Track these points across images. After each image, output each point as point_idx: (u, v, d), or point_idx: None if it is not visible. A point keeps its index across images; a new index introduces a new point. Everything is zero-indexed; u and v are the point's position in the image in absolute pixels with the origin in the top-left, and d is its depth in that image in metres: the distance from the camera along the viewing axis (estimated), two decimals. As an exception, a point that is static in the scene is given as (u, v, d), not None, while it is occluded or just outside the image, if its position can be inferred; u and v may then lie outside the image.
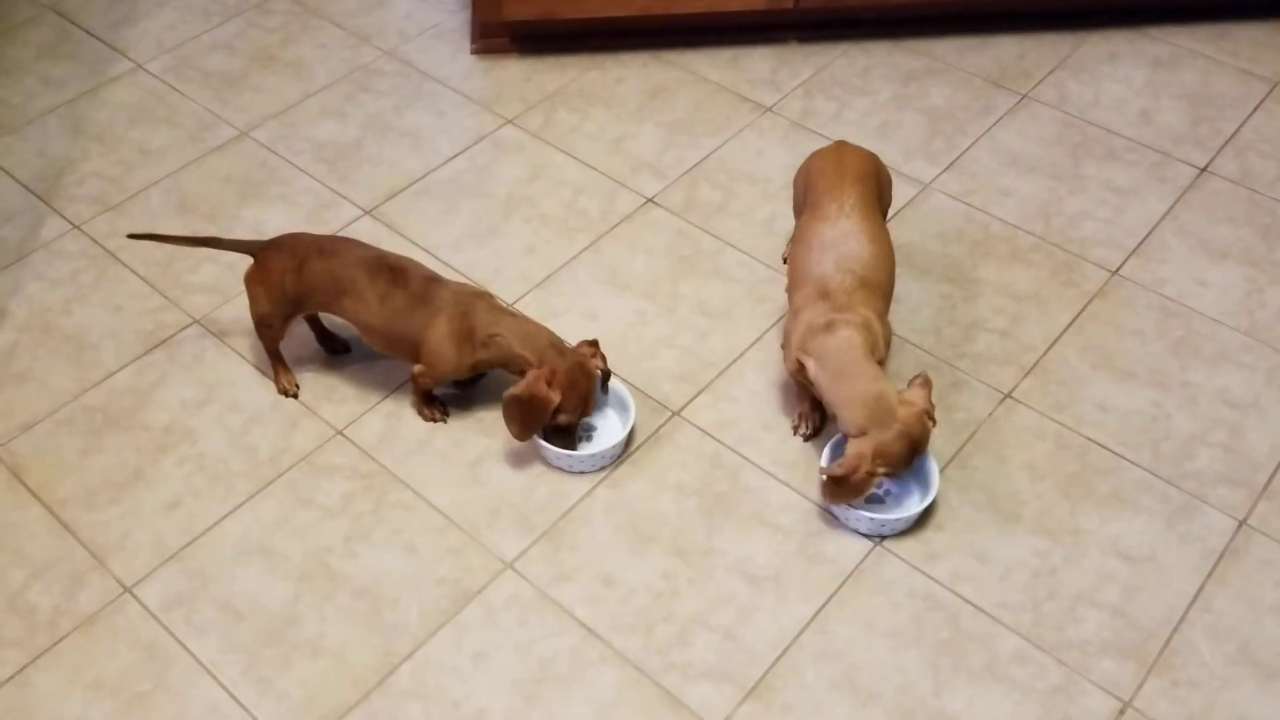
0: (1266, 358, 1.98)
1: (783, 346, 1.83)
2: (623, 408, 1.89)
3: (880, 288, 1.79)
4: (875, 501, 1.78)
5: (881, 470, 1.66)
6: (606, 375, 1.84)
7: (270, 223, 2.24)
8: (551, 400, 1.75)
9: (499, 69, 2.60)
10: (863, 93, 2.50)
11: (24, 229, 2.25)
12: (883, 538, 1.75)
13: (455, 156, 2.39)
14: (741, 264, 2.16)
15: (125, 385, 1.98)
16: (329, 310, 1.87)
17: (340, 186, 2.33)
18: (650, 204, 2.28)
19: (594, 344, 1.81)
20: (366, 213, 2.27)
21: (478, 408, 1.94)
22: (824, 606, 1.69)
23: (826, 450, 1.79)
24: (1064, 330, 2.04)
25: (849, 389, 1.68)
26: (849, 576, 1.72)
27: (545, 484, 1.84)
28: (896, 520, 1.73)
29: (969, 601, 1.69)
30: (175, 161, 2.39)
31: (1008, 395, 1.94)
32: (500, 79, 2.57)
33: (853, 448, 1.68)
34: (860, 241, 1.80)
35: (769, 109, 2.47)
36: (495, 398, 1.93)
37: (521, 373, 1.77)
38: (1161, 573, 1.71)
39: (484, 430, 1.91)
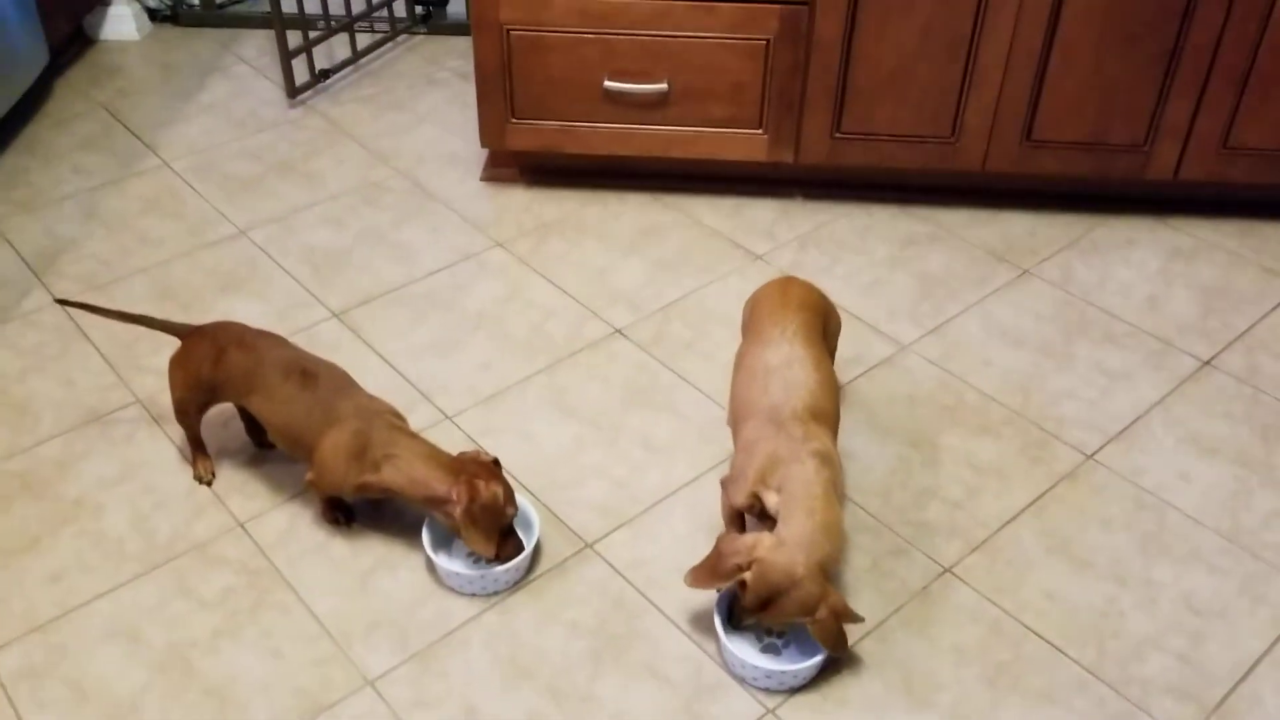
0: (1243, 564, 1.79)
1: (724, 482, 1.72)
2: (526, 526, 1.79)
3: (829, 417, 1.69)
4: (770, 653, 1.63)
5: (753, 573, 1.53)
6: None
7: (238, 314, 2.24)
8: (498, 495, 1.67)
9: (503, 196, 2.61)
10: (858, 251, 2.43)
11: (8, 298, 2.30)
12: (775, 691, 1.59)
13: (438, 271, 2.38)
14: (695, 402, 2.07)
15: (51, 455, 1.96)
16: (241, 403, 1.83)
17: (317, 289, 2.33)
18: (617, 334, 2.23)
19: (489, 465, 1.74)
20: (335, 315, 2.26)
21: (387, 519, 1.87)
22: (694, 771, 1.53)
23: (717, 614, 1.66)
24: (1023, 510, 1.88)
25: (817, 520, 1.57)
26: (729, 742, 1.57)
27: (434, 603, 1.74)
28: (787, 673, 1.58)
29: (856, 788, 1.52)
30: (169, 252, 2.43)
31: (948, 570, 1.79)
32: (501, 205, 2.58)
33: (754, 540, 1.56)
34: (805, 368, 1.71)
35: (759, 257, 2.42)
36: (404, 511, 1.86)
37: (426, 500, 1.70)
38: (1082, 785, 1.52)
39: (385, 539, 1.83)
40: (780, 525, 1.58)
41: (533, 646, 1.68)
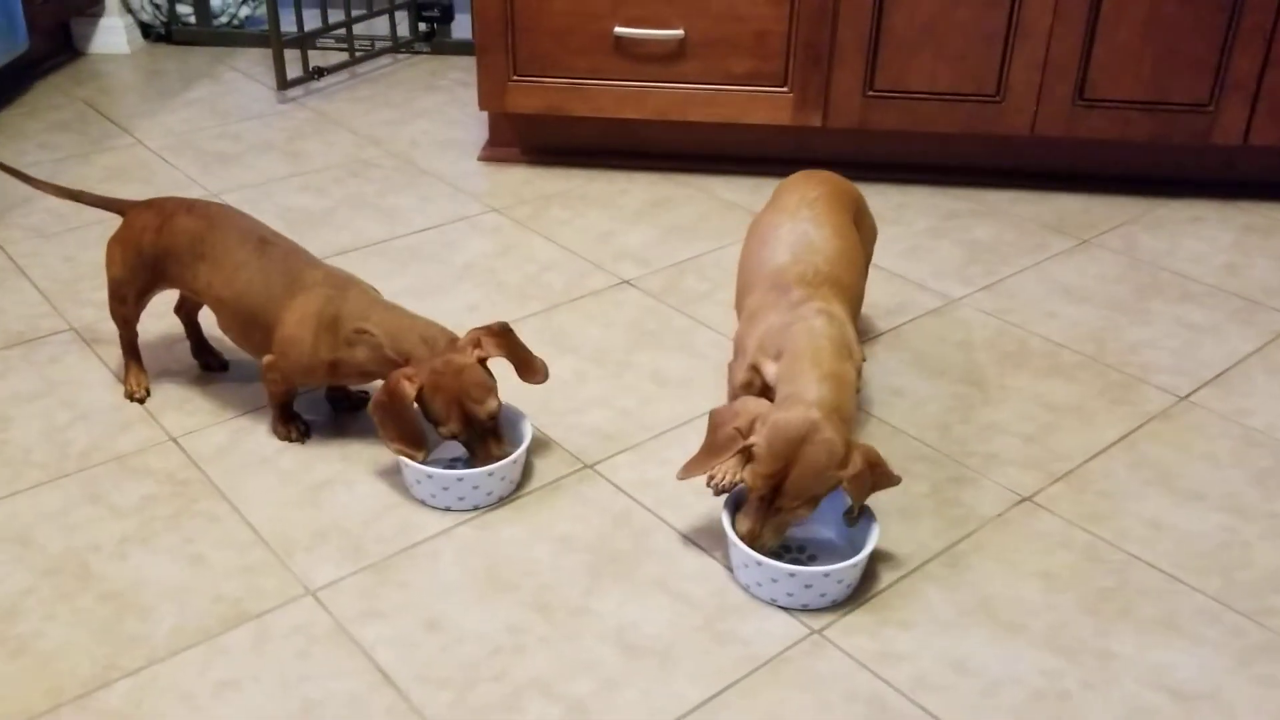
0: (1386, 497, 1.47)
1: (730, 365, 1.43)
2: (515, 435, 1.48)
3: (846, 289, 1.41)
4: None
5: (755, 441, 1.23)
6: (514, 357, 1.47)
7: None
8: (407, 395, 1.37)
9: (501, 172, 2.38)
10: (895, 223, 2.18)
11: (-59, 241, 2.05)
12: (812, 610, 1.25)
13: (425, 230, 2.13)
14: (714, 344, 1.78)
15: (-41, 373, 1.67)
16: (185, 285, 1.55)
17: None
18: (624, 284, 1.95)
19: (494, 330, 1.44)
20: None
21: (351, 432, 1.56)
22: (721, 693, 1.18)
23: (725, 511, 1.33)
24: (1111, 444, 1.57)
25: (824, 369, 1.28)
26: (765, 663, 1.21)
27: (397, 514, 1.41)
28: (814, 574, 1.25)
29: (932, 714, 1.16)
30: (130, 210, 2.19)
31: (1027, 498, 1.46)
32: (500, 180, 2.35)
33: (754, 404, 1.27)
34: (821, 233, 1.45)
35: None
36: (370, 427, 1.55)
37: None
38: (1224, 716, 1.16)
39: (347, 455, 1.52)
40: (781, 386, 1.28)
41: (516, 560, 1.34)
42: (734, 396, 1.40)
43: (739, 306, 1.48)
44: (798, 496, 1.23)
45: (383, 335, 1.42)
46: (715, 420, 1.29)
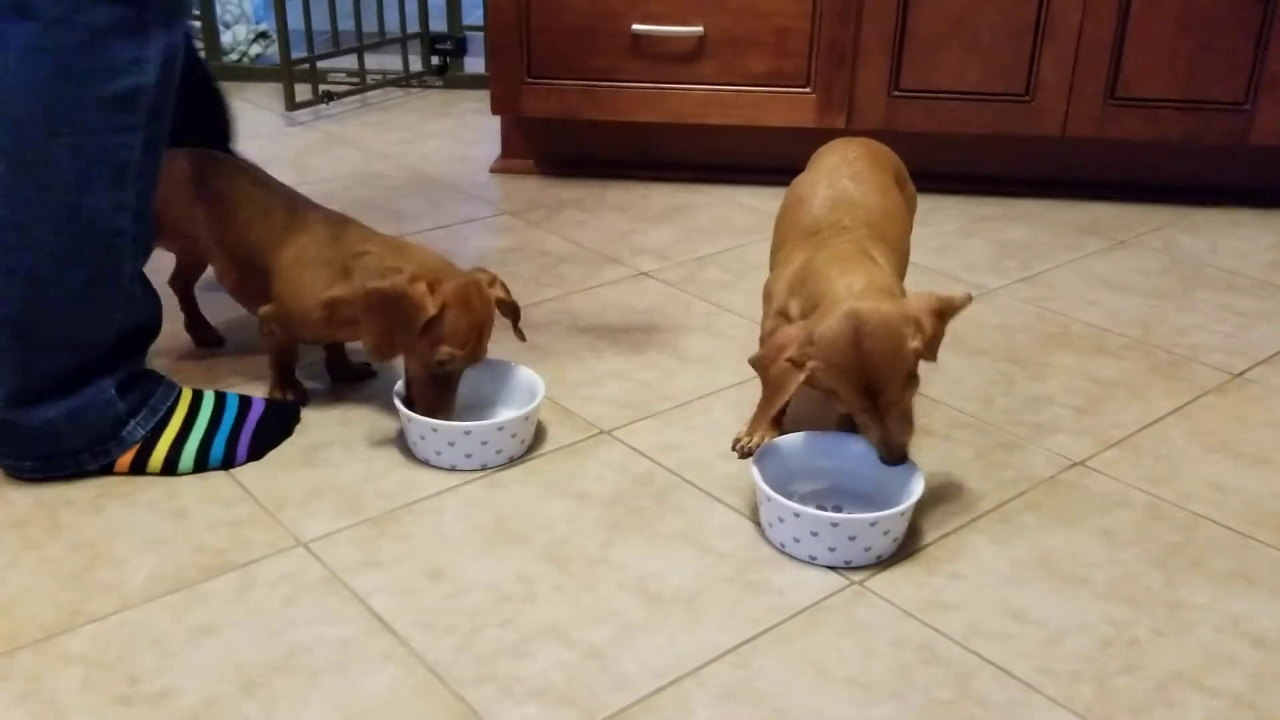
0: None
1: (761, 322, 1.34)
2: (530, 395, 1.38)
3: (891, 242, 1.31)
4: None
5: (814, 363, 1.11)
6: (515, 311, 1.37)
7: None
8: (425, 306, 1.25)
9: (516, 182, 2.32)
10: (923, 225, 2.09)
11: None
12: (856, 567, 1.13)
13: (434, 229, 2.05)
14: (738, 325, 1.69)
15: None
16: (182, 229, 1.45)
17: (294, 239, 2.00)
18: (643, 276, 1.87)
19: (491, 276, 1.35)
20: (310, 256, 1.92)
21: (350, 400, 1.46)
22: (753, 639, 1.06)
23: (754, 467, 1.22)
24: (1167, 414, 1.46)
25: (836, 274, 1.19)
26: (801, 611, 1.09)
27: (399, 474, 1.30)
28: (859, 523, 1.13)
29: (991, 662, 1.03)
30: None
31: (1080, 463, 1.35)
32: (513, 188, 2.28)
33: (798, 327, 1.17)
34: (863, 191, 1.35)
35: (809, 225, 2.09)
36: (373, 396, 1.46)
37: None
38: (1321, 666, 1.04)
39: (343, 420, 1.42)
40: (812, 307, 1.19)
41: (527, 515, 1.23)
42: (768, 333, 1.30)
43: (773, 263, 1.39)
44: (894, 387, 1.13)
45: (384, 255, 1.32)
46: (761, 363, 1.19)
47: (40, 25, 1.10)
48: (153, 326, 1.32)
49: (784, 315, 1.26)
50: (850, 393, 1.13)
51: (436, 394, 1.30)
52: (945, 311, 1.16)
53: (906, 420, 1.17)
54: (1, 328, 1.19)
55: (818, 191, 1.37)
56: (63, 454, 1.25)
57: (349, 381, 1.50)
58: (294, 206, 1.40)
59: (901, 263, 1.36)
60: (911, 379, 1.15)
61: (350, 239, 1.35)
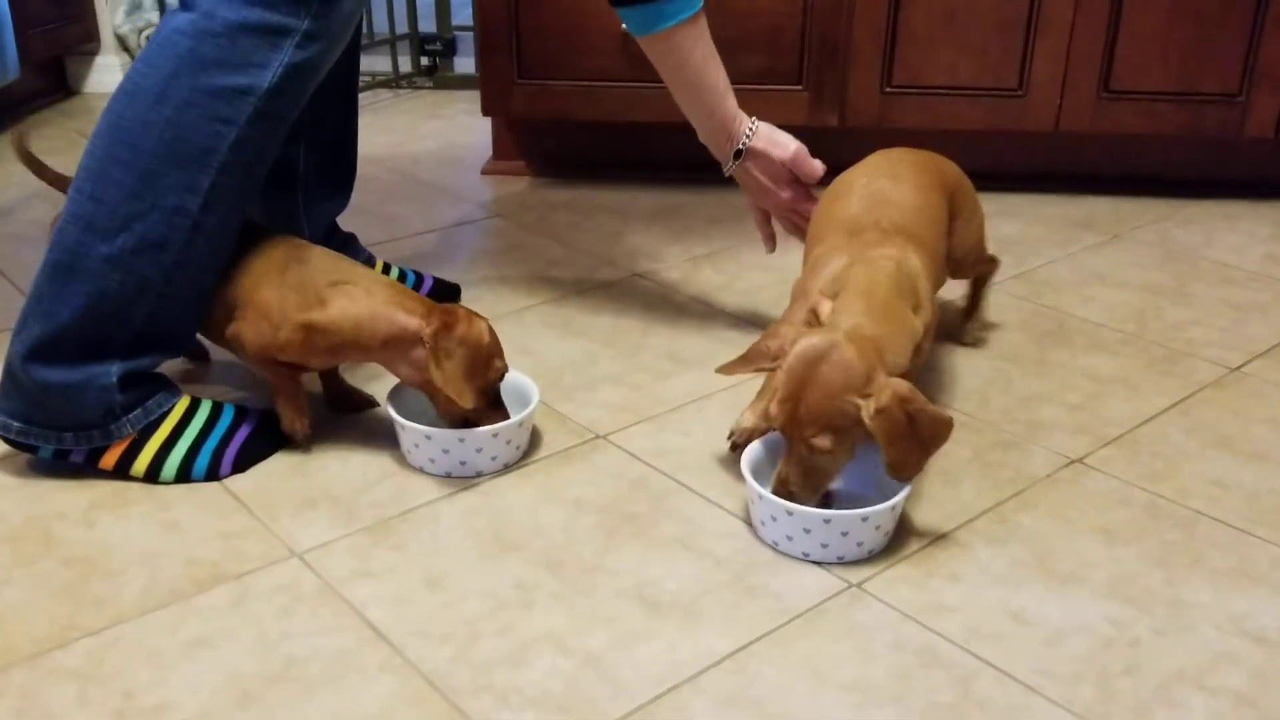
0: None
1: (785, 314, 1.32)
2: (522, 401, 1.37)
3: (927, 246, 1.29)
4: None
5: (784, 367, 1.12)
6: None
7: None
8: (482, 328, 1.27)
9: (506, 183, 2.31)
10: (917, 221, 2.10)
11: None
12: (846, 563, 1.12)
13: (425, 232, 2.05)
14: (735, 325, 1.68)
15: None
16: None
17: (286, 245, 1.99)
18: (637, 277, 1.86)
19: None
20: (302, 262, 1.91)
21: (345, 414, 1.45)
22: (751, 644, 1.05)
23: (746, 460, 1.22)
24: (1164, 410, 1.46)
25: (877, 299, 1.18)
26: (799, 615, 1.09)
27: (393, 483, 1.30)
28: (850, 519, 1.12)
29: (990, 664, 1.03)
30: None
31: (1077, 460, 1.35)
32: (504, 190, 2.27)
33: (789, 328, 1.18)
34: (900, 191, 1.34)
35: (802, 224, 2.09)
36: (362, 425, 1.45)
37: (386, 340, 1.26)
38: (1323, 663, 1.03)
39: (336, 429, 1.41)
40: (831, 316, 1.18)
41: (523, 522, 1.23)
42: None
43: (806, 259, 1.38)
44: (814, 423, 1.10)
45: (368, 285, 1.30)
46: (763, 337, 1.19)
47: (196, 14, 1.21)
48: (180, 338, 1.32)
49: (815, 314, 1.22)
50: (780, 406, 1.12)
51: (494, 408, 1.30)
52: (918, 414, 1.10)
53: (814, 471, 1.14)
54: (49, 271, 1.24)
55: (855, 190, 1.36)
56: (48, 426, 1.26)
57: (352, 412, 1.45)
58: (260, 234, 1.36)
59: (936, 265, 1.33)
60: (837, 436, 1.11)
61: (324, 267, 1.29)
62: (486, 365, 1.28)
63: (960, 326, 1.64)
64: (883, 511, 1.13)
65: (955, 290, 1.69)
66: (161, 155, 1.21)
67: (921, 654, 1.04)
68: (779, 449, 1.22)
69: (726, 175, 1.58)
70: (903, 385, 1.11)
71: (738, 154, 1.54)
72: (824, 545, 1.14)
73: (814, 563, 1.15)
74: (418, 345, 1.26)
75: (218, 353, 1.57)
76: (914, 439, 1.11)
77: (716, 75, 1.49)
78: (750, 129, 1.53)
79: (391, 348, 1.28)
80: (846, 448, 1.14)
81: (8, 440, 1.28)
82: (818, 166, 1.55)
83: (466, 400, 1.25)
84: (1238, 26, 2.02)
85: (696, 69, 1.48)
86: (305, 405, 1.35)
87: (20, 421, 1.27)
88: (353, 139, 1.69)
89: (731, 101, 1.52)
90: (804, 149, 1.54)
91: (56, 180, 1.51)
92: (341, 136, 1.66)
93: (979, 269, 1.61)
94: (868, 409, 1.09)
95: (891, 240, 1.26)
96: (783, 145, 1.53)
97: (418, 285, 1.72)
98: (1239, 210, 2.16)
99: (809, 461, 1.14)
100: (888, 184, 1.35)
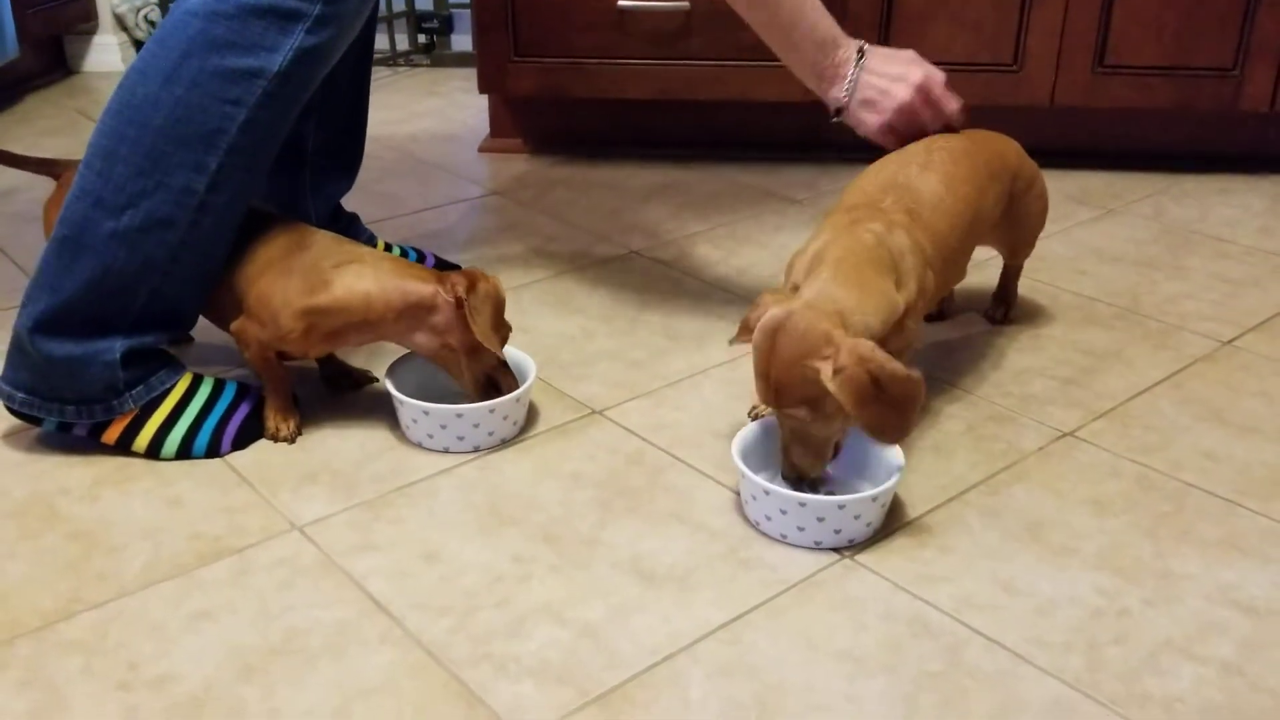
0: None
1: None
2: (521, 376, 1.38)
3: (934, 234, 1.28)
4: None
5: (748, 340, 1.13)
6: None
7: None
8: (501, 290, 1.31)
9: (504, 161, 2.32)
10: (913, 196, 2.11)
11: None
12: (831, 548, 1.14)
13: (423, 210, 2.05)
14: (730, 302, 1.69)
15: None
16: None
17: (284, 223, 2.00)
18: (634, 255, 1.87)
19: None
20: (301, 240, 1.92)
21: (343, 408, 1.46)
22: (745, 614, 1.07)
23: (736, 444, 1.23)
24: (1156, 384, 1.47)
25: (845, 270, 1.17)
26: (793, 586, 1.10)
27: (392, 457, 1.31)
28: (827, 505, 1.14)
29: (980, 633, 1.04)
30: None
31: (1069, 434, 1.36)
32: (502, 167, 2.28)
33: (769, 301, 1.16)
34: (926, 179, 1.32)
35: (798, 201, 2.09)
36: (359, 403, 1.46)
37: (401, 312, 1.27)
38: (1308, 631, 1.05)
39: (335, 404, 1.42)
40: (803, 287, 1.18)
41: (521, 496, 1.24)
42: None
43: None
44: (786, 394, 1.11)
45: (373, 262, 1.31)
46: (749, 308, 1.20)
47: None
48: (184, 318, 1.34)
49: (797, 290, 1.23)
50: (757, 383, 1.13)
51: (509, 373, 1.33)
52: (882, 375, 1.07)
53: (811, 444, 1.15)
54: (56, 245, 1.25)
55: (882, 170, 1.35)
56: (52, 398, 1.28)
57: (350, 389, 1.46)
58: (261, 220, 1.36)
59: (944, 255, 1.30)
60: (812, 407, 1.10)
61: (328, 250, 1.30)
62: (502, 319, 1.30)
63: (993, 309, 1.64)
64: (863, 500, 1.14)
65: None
66: (170, 134, 1.22)
67: (913, 624, 1.05)
68: (777, 429, 1.24)
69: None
70: (863, 344, 1.08)
71: (837, 112, 1.43)
72: (800, 529, 1.14)
73: (792, 545, 1.17)
74: (435, 311, 1.27)
75: (217, 332, 1.59)
76: (884, 401, 1.08)
77: (800, 16, 1.40)
78: (850, 81, 1.40)
79: (408, 317, 1.28)
80: (827, 414, 1.12)
81: (11, 410, 1.30)
82: (951, 104, 1.42)
83: (500, 351, 1.29)
84: (1233, 1, 2.02)
85: (790, 10, 1.40)
86: (293, 408, 1.36)
87: (24, 392, 1.28)
88: (363, 121, 1.70)
89: (819, 50, 1.40)
90: (927, 83, 1.39)
91: (40, 166, 1.52)
92: (352, 118, 1.67)
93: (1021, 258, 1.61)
94: (825, 371, 1.07)
95: (883, 218, 1.26)
96: (891, 95, 1.38)
97: (420, 263, 1.74)
98: (1234, 184, 2.17)
99: (800, 432, 1.15)
100: (915, 170, 1.33)
